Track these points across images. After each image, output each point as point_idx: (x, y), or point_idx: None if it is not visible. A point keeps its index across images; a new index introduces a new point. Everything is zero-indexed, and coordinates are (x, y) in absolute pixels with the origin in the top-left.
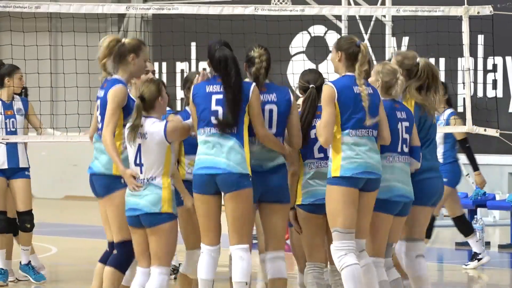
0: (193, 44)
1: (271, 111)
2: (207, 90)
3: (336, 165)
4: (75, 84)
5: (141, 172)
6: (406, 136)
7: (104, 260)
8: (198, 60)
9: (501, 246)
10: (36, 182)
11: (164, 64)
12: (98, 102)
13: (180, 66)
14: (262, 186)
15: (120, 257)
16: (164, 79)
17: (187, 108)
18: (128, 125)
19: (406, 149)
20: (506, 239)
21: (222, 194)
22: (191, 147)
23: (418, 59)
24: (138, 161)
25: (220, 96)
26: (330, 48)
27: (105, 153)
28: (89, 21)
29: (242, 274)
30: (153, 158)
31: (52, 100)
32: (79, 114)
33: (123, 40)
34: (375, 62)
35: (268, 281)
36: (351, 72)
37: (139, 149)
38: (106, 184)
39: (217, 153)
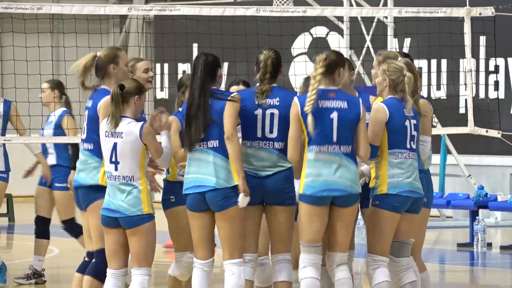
0: (195, 45)
1: (272, 115)
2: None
3: (302, 182)
4: (76, 85)
5: (115, 170)
6: (414, 133)
7: (81, 270)
8: None
9: (503, 247)
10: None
11: (166, 66)
12: (86, 112)
13: (182, 67)
14: (262, 190)
15: (98, 265)
16: (166, 80)
17: (180, 109)
18: (107, 117)
19: (414, 146)
20: (508, 240)
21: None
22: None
23: (400, 59)
24: (113, 159)
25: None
26: (333, 48)
27: (89, 164)
28: (91, 22)
29: None
30: (128, 157)
31: (55, 101)
32: (81, 115)
33: (98, 53)
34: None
35: (273, 284)
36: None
37: (114, 148)
38: (91, 194)
39: (202, 170)
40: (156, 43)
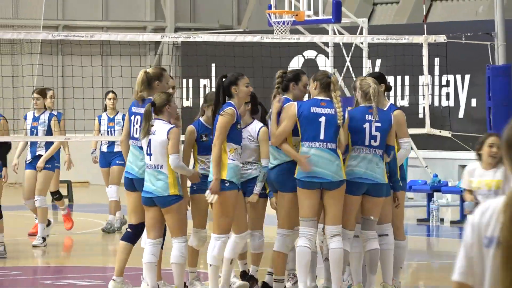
0: (213, 65)
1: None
2: None
3: (296, 169)
4: (121, 96)
5: (150, 160)
6: (376, 133)
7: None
8: (217, 77)
9: (452, 222)
10: (92, 171)
11: (190, 80)
12: (139, 117)
13: (202, 82)
14: (268, 180)
15: (131, 233)
16: (190, 92)
17: (200, 119)
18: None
19: (375, 144)
20: (456, 217)
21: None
22: (203, 149)
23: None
24: (148, 152)
25: None
26: (320, 68)
27: (139, 159)
28: (132, 47)
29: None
30: (159, 150)
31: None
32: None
33: (147, 69)
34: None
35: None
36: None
37: (149, 143)
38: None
39: None
40: (183, 63)
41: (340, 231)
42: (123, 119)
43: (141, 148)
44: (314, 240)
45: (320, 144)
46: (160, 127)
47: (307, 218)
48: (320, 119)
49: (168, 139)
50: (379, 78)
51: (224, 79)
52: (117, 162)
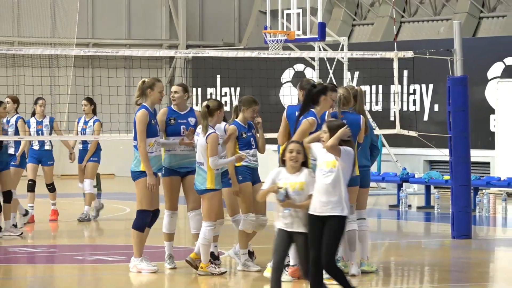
0: (218, 76)
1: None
2: None
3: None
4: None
5: (196, 157)
6: None
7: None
8: (221, 86)
9: (418, 207)
10: (117, 165)
11: (199, 89)
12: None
13: (209, 90)
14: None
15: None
16: (199, 99)
17: (236, 119)
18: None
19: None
20: (421, 203)
21: None
22: (243, 144)
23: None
24: (196, 150)
25: None
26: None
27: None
28: (151, 61)
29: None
30: (200, 150)
31: (127, 112)
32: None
33: (144, 79)
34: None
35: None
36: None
37: (196, 143)
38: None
39: None
40: (193, 75)
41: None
42: (94, 122)
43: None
44: None
45: None
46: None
47: None
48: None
49: (207, 143)
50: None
51: (314, 88)
52: (92, 159)
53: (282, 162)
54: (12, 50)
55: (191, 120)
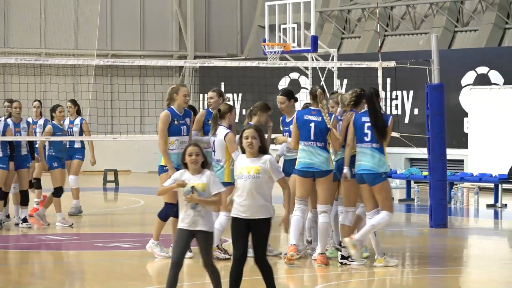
0: (222, 83)
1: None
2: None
3: (297, 161)
4: (154, 106)
5: (214, 155)
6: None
7: (174, 214)
8: (225, 92)
9: (400, 200)
10: (132, 162)
11: (205, 95)
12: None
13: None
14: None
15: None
16: (205, 104)
17: (251, 122)
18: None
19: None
20: (403, 196)
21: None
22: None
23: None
24: (213, 149)
25: None
26: (302, 85)
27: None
28: (163, 70)
29: None
30: (219, 148)
31: (141, 116)
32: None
33: (173, 86)
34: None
35: None
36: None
37: (213, 143)
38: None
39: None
40: (200, 82)
41: (327, 209)
42: (81, 121)
43: None
44: (306, 213)
45: (311, 143)
46: (220, 132)
47: (303, 199)
48: (310, 125)
49: (225, 142)
50: (289, 94)
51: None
52: (77, 156)
53: (184, 165)
54: (39, 61)
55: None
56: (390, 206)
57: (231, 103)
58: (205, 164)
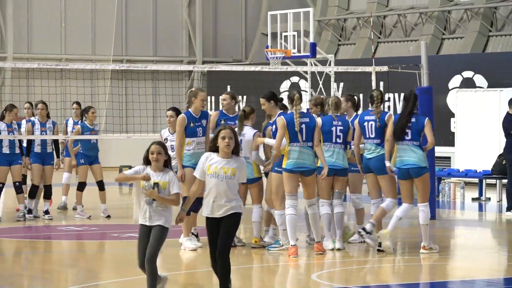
0: (228, 86)
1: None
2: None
3: (284, 161)
4: (165, 107)
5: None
6: (340, 134)
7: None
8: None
9: None
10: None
11: (213, 97)
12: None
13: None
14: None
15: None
16: (213, 106)
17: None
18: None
19: (339, 140)
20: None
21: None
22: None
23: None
24: (241, 148)
25: None
26: (302, 88)
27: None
28: (173, 74)
29: None
30: (247, 147)
31: (154, 116)
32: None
33: (191, 89)
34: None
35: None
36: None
37: (241, 141)
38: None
39: None
40: (208, 85)
41: (314, 202)
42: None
43: None
44: (296, 207)
45: (302, 143)
46: (248, 131)
47: (292, 194)
48: (301, 127)
49: (253, 139)
50: (272, 96)
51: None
52: (66, 155)
53: (147, 162)
54: (60, 65)
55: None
56: (427, 197)
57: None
58: (168, 163)
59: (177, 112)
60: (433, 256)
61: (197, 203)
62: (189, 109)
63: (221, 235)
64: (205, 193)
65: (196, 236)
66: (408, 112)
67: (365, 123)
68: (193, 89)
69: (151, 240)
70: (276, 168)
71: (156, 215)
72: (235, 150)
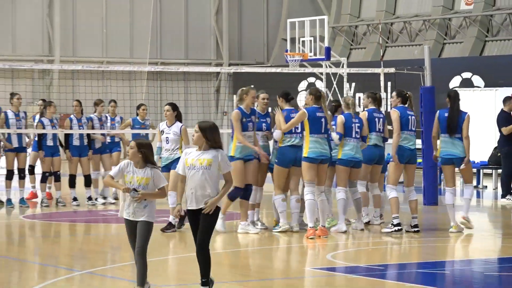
0: (252, 85)
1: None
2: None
3: (306, 150)
4: (196, 105)
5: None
6: (357, 130)
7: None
8: None
9: (399, 182)
10: None
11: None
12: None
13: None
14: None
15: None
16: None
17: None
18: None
19: (358, 136)
20: (401, 179)
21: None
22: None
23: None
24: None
25: None
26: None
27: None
28: (203, 75)
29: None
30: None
31: (185, 113)
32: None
33: (243, 88)
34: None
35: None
36: (317, 105)
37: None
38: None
39: None
40: (234, 85)
41: (324, 190)
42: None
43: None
44: (314, 193)
45: (322, 135)
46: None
47: (311, 182)
48: (321, 120)
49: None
50: (283, 95)
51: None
52: (118, 149)
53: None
54: (101, 67)
55: (268, 120)
56: (472, 179)
57: None
58: (149, 160)
59: (173, 107)
60: (435, 238)
61: (246, 191)
62: (240, 106)
63: (200, 228)
64: (186, 187)
65: (253, 222)
66: (456, 109)
67: (409, 117)
68: (244, 88)
69: (138, 237)
70: (275, 161)
71: (139, 210)
72: (213, 144)
